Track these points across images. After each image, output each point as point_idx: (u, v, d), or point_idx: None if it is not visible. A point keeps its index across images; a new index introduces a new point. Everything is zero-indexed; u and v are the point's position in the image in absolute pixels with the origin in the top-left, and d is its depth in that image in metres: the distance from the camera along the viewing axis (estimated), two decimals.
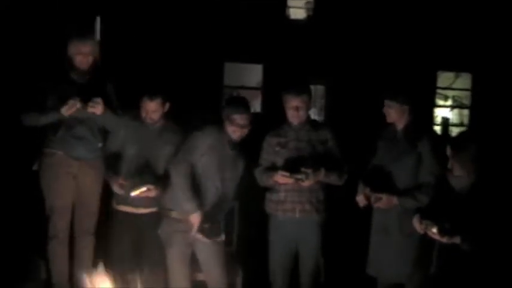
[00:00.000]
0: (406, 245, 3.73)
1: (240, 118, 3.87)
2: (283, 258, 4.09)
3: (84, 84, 4.11)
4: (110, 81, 4.26)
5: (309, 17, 14.62)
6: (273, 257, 4.11)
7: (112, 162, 4.08)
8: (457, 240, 3.21)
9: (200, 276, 4.09)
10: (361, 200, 3.86)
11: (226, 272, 4.02)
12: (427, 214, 3.38)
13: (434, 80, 14.89)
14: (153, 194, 3.96)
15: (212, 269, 4.00)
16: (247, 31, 13.45)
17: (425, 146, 3.74)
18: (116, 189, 3.97)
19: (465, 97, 15.42)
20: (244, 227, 4.47)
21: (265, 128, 4.17)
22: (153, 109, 4.03)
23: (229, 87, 14.26)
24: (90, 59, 4.14)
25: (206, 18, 13.41)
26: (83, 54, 4.11)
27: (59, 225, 4.17)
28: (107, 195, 4.21)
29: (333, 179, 4.01)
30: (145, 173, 4.01)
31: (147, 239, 4.08)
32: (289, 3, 14.62)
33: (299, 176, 3.86)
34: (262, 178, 4.05)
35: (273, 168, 4.00)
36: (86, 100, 3.98)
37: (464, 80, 15.15)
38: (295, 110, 3.97)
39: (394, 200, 3.74)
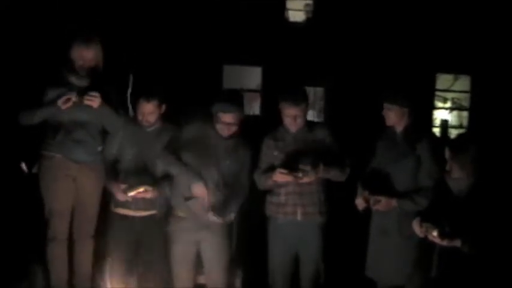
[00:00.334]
0: (405, 247, 3.73)
1: (225, 116, 3.89)
2: (283, 262, 4.08)
3: (83, 87, 4.09)
4: (111, 84, 4.24)
5: (308, 20, 14.61)
6: (273, 260, 4.10)
7: (111, 168, 4.08)
8: (457, 243, 3.21)
9: (201, 279, 4.09)
10: (360, 203, 3.85)
11: (227, 274, 4.03)
12: (427, 217, 3.38)
13: (433, 82, 14.88)
14: (149, 195, 3.96)
15: (214, 268, 4.01)
16: (246, 33, 13.44)
17: (425, 149, 3.74)
18: (120, 196, 3.97)
19: (464, 99, 15.41)
20: (244, 230, 4.46)
21: (264, 130, 4.17)
22: (149, 111, 4.02)
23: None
24: (91, 64, 4.14)
25: (205, 20, 13.41)
26: (85, 59, 4.11)
27: (58, 228, 4.16)
28: (105, 198, 4.21)
29: (334, 174, 3.98)
30: (143, 174, 4.01)
31: (146, 242, 4.08)
32: (288, 5, 14.61)
33: (298, 174, 3.85)
34: (261, 180, 4.05)
35: (271, 169, 3.99)
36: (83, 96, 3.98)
37: (463, 82, 15.15)
38: (293, 118, 3.97)
39: (393, 202, 3.74)
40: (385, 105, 3.85)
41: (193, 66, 13.05)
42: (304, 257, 4.07)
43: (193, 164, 3.91)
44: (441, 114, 15.36)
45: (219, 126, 3.93)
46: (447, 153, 3.38)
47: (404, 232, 3.68)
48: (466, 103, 15.37)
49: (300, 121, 3.98)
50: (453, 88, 15.43)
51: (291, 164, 3.91)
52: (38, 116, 4.08)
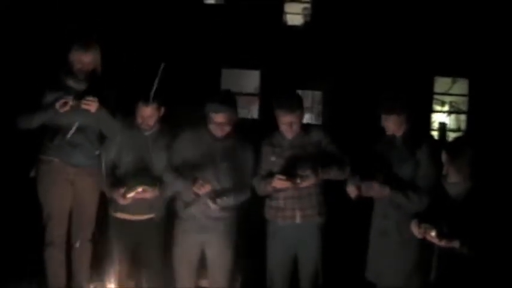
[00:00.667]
0: (405, 249, 3.72)
1: (216, 116, 3.90)
2: (282, 262, 4.07)
3: (81, 91, 4.08)
4: (109, 88, 4.22)
5: (306, 23, 14.64)
6: (272, 263, 4.10)
7: (110, 174, 4.08)
8: (455, 244, 3.20)
9: (204, 283, 4.10)
10: (352, 190, 3.78)
11: (230, 277, 4.03)
12: (425, 219, 3.38)
13: (431, 85, 14.91)
14: (148, 195, 3.94)
15: (217, 271, 4.02)
16: (245, 37, 13.46)
17: (424, 153, 3.73)
18: (120, 200, 3.96)
19: (462, 103, 15.44)
20: (244, 232, 4.46)
21: (262, 134, 4.17)
22: (148, 114, 4.01)
23: None
24: (90, 68, 4.13)
25: (203, 24, 13.43)
26: (83, 63, 4.10)
27: (56, 232, 4.15)
28: (104, 202, 4.20)
29: (335, 174, 3.95)
30: (141, 175, 4.00)
31: (145, 246, 4.08)
32: (287, 9, 14.64)
33: (296, 180, 3.84)
34: (260, 186, 4.03)
35: (270, 175, 3.98)
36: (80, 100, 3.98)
37: (461, 86, 15.18)
38: (289, 125, 3.96)
39: (386, 190, 3.71)
40: (383, 116, 3.83)
41: (191, 70, 13.06)
42: (303, 258, 4.07)
43: (190, 167, 3.91)
44: (439, 117, 15.37)
45: (211, 127, 3.93)
46: (444, 157, 3.37)
47: (404, 234, 3.67)
48: (464, 106, 15.40)
49: (295, 127, 3.98)
50: (451, 91, 15.45)
51: (289, 170, 3.91)
52: (36, 120, 4.07)
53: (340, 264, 4.80)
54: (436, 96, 15.34)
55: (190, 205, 3.94)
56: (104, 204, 4.19)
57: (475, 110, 14.67)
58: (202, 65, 13.28)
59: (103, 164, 4.12)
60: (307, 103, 14.51)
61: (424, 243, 3.43)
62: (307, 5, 14.62)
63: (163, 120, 4.13)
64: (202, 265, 4.06)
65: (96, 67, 4.18)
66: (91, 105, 3.98)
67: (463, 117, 15.50)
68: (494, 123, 12.90)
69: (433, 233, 3.25)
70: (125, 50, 11.84)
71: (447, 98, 15.60)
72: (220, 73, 14.13)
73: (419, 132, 3.86)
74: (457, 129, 15.27)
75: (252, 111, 14.54)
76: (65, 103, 3.95)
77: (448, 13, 13.61)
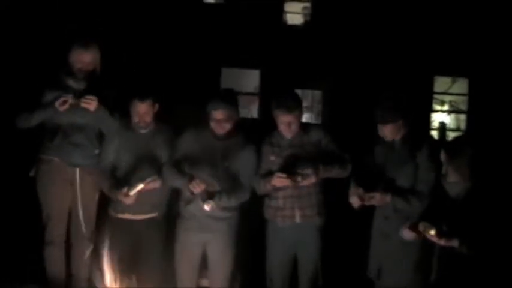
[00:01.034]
0: (406, 250, 3.72)
1: (216, 113, 3.91)
2: (282, 262, 4.07)
3: (81, 90, 4.09)
4: (109, 88, 4.23)
5: (306, 23, 14.64)
6: (271, 263, 4.10)
7: (110, 176, 4.08)
8: (455, 243, 3.20)
9: (204, 282, 4.10)
10: (355, 201, 3.80)
11: (230, 277, 4.04)
12: (424, 219, 3.38)
13: (431, 85, 14.91)
14: (151, 185, 3.93)
15: (218, 271, 4.03)
16: (244, 36, 13.46)
17: (424, 156, 3.72)
18: (125, 200, 3.95)
19: (462, 102, 15.44)
20: (243, 232, 4.46)
21: (262, 133, 4.17)
22: (144, 111, 4.02)
23: None
24: (89, 68, 4.14)
25: (203, 23, 13.43)
26: (83, 63, 4.11)
27: (56, 231, 4.16)
28: (103, 201, 4.20)
29: (336, 172, 3.95)
30: (141, 173, 4.00)
31: (145, 245, 4.08)
32: (286, 8, 14.64)
33: (297, 178, 3.84)
34: (260, 185, 4.02)
35: (269, 174, 3.98)
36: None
37: (461, 85, 15.18)
38: (287, 125, 3.96)
39: (388, 197, 3.72)
40: (379, 126, 3.82)
41: (191, 69, 13.07)
42: (303, 258, 4.07)
43: (190, 164, 3.92)
44: (439, 117, 15.38)
45: (212, 125, 3.95)
46: (443, 157, 3.37)
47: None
48: (463, 106, 15.40)
49: (294, 127, 3.98)
50: (451, 91, 15.45)
51: (288, 169, 3.91)
52: (35, 119, 4.08)
53: (340, 264, 4.81)
54: (435, 96, 15.35)
55: (190, 202, 3.96)
56: (104, 203, 4.20)
57: (475, 110, 14.67)
58: (202, 64, 13.29)
59: (101, 164, 4.12)
60: (306, 102, 14.53)
61: (425, 244, 3.42)
62: (307, 4, 14.62)
63: (162, 120, 4.13)
64: (202, 264, 4.06)
65: (95, 67, 4.18)
66: (90, 103, 3.99)
67: (462, 116, 15.50)
68: (494, 123, 12.89)
69: (432, 232, 3.25)
70: (124, 50, 11.85)
71: (447, 98, 15.59)
72: (220, 72, 14.13)
73: (418, 134, 3.85)
74: (457, 129, 15.27)
75: (251, 110, 14.55)
76: (65, 101, 3.96)
77: (448, 13, 13.61)
